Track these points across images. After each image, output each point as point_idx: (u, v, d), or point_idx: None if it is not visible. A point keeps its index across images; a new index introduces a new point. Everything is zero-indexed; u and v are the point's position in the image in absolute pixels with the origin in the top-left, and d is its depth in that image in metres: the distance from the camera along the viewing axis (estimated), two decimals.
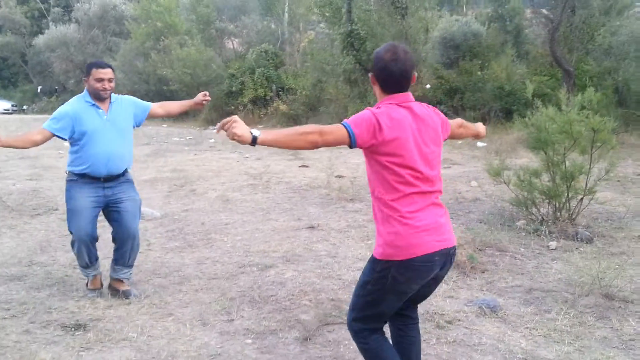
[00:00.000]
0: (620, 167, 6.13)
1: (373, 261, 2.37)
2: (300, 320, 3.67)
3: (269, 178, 9.11)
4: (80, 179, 3.90)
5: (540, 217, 5.82)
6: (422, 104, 2.44)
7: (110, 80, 3.88)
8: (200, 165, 10.89)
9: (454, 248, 2.40)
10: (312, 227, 6.02)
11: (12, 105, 32.95)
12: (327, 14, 20.60)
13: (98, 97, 3.88)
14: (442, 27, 18.45)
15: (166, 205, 7.26)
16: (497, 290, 4.20)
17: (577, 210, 5.74)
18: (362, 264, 4.70)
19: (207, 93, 4.24)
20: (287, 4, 27.07)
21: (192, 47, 24.18)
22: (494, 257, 4.89)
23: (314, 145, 2.27)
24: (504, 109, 15.22)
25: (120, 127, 3.97)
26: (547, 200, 5.82)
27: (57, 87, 34.97)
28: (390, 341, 2.58)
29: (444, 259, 2.35)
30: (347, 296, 4.04)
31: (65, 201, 3.96)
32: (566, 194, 5.66)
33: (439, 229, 2.32)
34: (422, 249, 2.26)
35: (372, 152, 2.29)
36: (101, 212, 4.06)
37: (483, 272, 4.54)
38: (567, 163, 5.63)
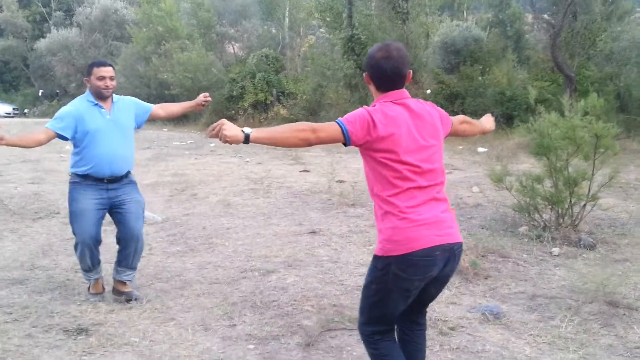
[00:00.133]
0: (622, 173, 6.12)
1: (375, 259, 2.36)
2: (302, 326, 3.66)
3: (269, 183, 9.10)
4: (83, 180, 3.88)
5: (542, 223, 5.80)
6: (419, 100, 2.44)
7: (111, 79, 3.87)
8: (201, 170, 10.88)
9: (458, 244, 2.36)
10: (313, 232, 6.00)
11: (14, 109, 32.95)
12: (327, 19, 20.67)
13: (100, 96, 3.87)
14: (442, 32, 18.51)
15: (167, 210, 7.25)
16: (500, 296, 4.18)
17: (579, 217, 5.73)
18: (364, 269, 4.68)
19: (208, 94, 4.23)
20: (287, 9, 27.14)
21: (193, 52, 24.23)
22: (497, 264, 4.88)
23: (307, 143, 2.27)
24: (505, 114, 15.23)
25: (123, 127, 3.95)
26: (550, 207, 5.81)
27: (58, 91, 35.00)
28: None
29: (447, 255, 2.31)
30: (349, 302, 4.03)
31: (68, 203, 3.95)
32: (569, 200, 5.65)
33: (440, 223, 2.29)
34: (420, 243, 2.23)
35: (367, 149, 2.29)
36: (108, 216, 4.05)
37: (486, 279, 4.52)
38: (569, 169, 5.61)
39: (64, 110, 3.87)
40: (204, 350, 3.35)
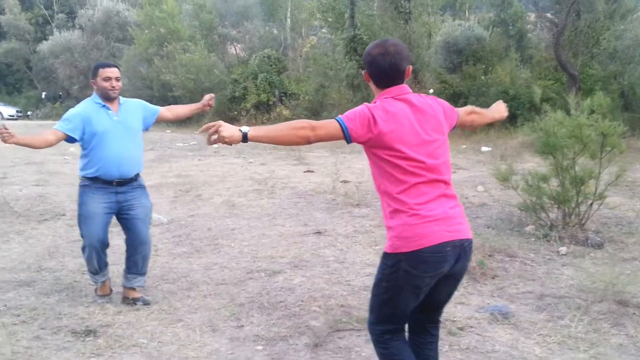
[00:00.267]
0: (628, 172, 6.09)
1: (384, 256, 2.34)
2: (310, 327, 3.65)
3: (274, 183, 9.09)
4: (92, 183, 3.86)
5: (549, 222, 5.78)
6: (421, 94, 2.42)
7: (117, 79, 3.86)
8: (205, 171, 10.87)
9: (468, 240, 2.34)
10: (319, 233, 5.99)
11: (17, 111, 32.99)
12: (329, 19, 20.68)
13: (107, 97, 3.87)
14: (445, 31, 18.50)
15: (172, 211, 7.25)
16: (508, 296, 4.17)
17: (586, 215, 5.71)
18: (371, 270, 4.68)
19: (213, 95, 4.23)
20: (289, 10, 27.16)
21: (195, 53, 24.26)
22: (504, 263, 4.86)
23: (306, 140, 2.26)
24: (508, 113, 15.18)
25: (131, 128, 3.94)
26: (557, 206, 5.79)
27: (61, 93, 35.06)
28: None
29: (458, 251, 2.28)
30: (356, 302, 4.02)
31: (78, 206, 3.93)
32: (576, 199, 5.63)
33: (449, 219, 2.27)
34: (430, 239, 2.21)
35: (371, 146, 2.28)
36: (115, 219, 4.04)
37: (493, 278, 4.51)
38: (576, 168, 5.59)
39: (71, 112, 3.87)
40: (212, 351, 3.34)
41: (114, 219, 4.02)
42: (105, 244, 3.95)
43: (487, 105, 3.07)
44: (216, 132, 2.23)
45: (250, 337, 3.51)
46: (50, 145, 3.77)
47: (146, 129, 4.12)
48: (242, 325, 3.69)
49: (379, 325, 2.42)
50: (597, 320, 3.69)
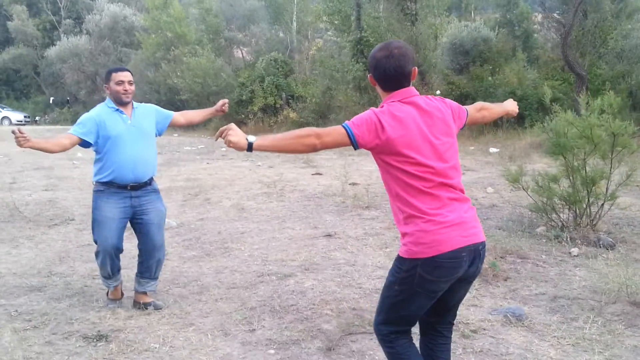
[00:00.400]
0: (638, 172, 6.04)
1: (399, 260, 2.31)
2: (322, 330, 3.63)
3: (282, 186, 9.09)
4: (107, 188, 3.86)
5: (560, 223, 5.74)
6: (428, 96, 2.39)
7: (130, 83, 3.87)
8: (213, 174, 10.89)
9: (482, 243, 2.32)
10: (329, 235, 5.98)
11: (25, 117, 33.24)
12: (336, 22, 20.69)
13: (120, 101, 3.87)
14: (451, 33, 18.45)
15: (182, 215, 7.25)
16: (521, 298, 4.13)
17: (598, 216, 5.66)
18: (382, 272, 4.66)
19: (227, 101, 4.22)
20: (295, 13, 27.20)
21: (202, 57, 24.33)
22: (516, 265, 4.83)
23: (313, 149, 2.25)
24: (516, 114, 15.13)
25: (144, 132, 3.94)
26: (568, 206, 5.75)
27: (68, 98, 35.27)
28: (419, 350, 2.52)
29: (472, 255, 2.27)
30: (368, 305, 3.99)
31: (92, 211, 3.94)
32: (587, 200, 5.58)
33: (464, 224, 2.26)
34: (447, 246, 2.20)
35: (379, 153, 2.26)
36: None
37: (505, 280, 4.48)
38: (587, 168, 5.55)
39: (85, 116, 3.87)
40: (224, 355, 3.33)
41: (128, 224, 4.02)
42: (119, 249, 3.95)
43: None
44: (226, 134, 2.24)
45: (263, 341, 3.50)
46: (64, 149, 3.77)
47: (159, 134, 4.12)
48: (254, 329, 3.68)
49: (387, 326, 2.41)
50: (611, 322, 3.65)
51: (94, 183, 3.92)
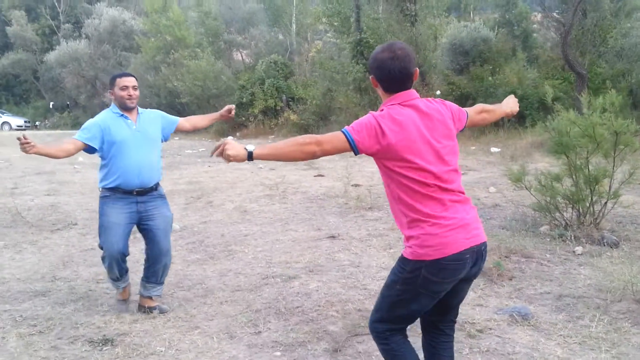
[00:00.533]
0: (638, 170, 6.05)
1: (403, 261, 2.32)
2: (328, 332, 3.63)
3: (285, 188, 9.08)
4: (112, 194, 3.86)
5: (564, 222, 5.74)
6: (429, 99, 2.39)
7: (134, 88, 3.87)
8: (215, 177, 10.89)
9: (484, 244, 2.34)
10: (332, 237, 5.97)
11: (25, 122, 33.28)
12: (335, 23, 20.69)
13: (125, 106, 3.88)
14: (450, 33, 18.45)
15: (184, 218, 7.25)
16: (527, 297, 4.13)
17: (601, 215, 5.66)
18: (386, 273, 4.63)
19: (234, 107, 4.23)
20: (294, 15, 27.22)
21: (202, 60, 24.34)
22: (520, 264, 4.82)
23: (312, 156, 2.25)
24: (517, 113, 15.13)
25: (150, 138, 3.95)
26: (571, 205, 5.75)
27: (68, 103, 35.30)
28: (416, 345, 2.53)
29: (475, 256, 2.29)
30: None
31: (98, 217, 3.93)
32: (590, 198, 5.58)
33: (467, 226, 2.27)
34: (452, 248, 2.22)
35: (381, 158, 2.27)
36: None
37: (510, 279, 4.47)
38: (590, 167, 5.55)
39: (90, 121, 3.88)
40: (230, 358, 3.32)
41: (134, 229, 4.02)
42: (124, 255, 3.94)
43: None
44: (223, 149, 2.25)
45: (269, 344, 3.50)
46: (69, 155, 3.77)
47: (165, 140, 4.12)
48: (260, 332, 3.67)
49: (384, 324, 2.41)
50: (617, 320, 3.65)
51: (100, 189, 3.92)
